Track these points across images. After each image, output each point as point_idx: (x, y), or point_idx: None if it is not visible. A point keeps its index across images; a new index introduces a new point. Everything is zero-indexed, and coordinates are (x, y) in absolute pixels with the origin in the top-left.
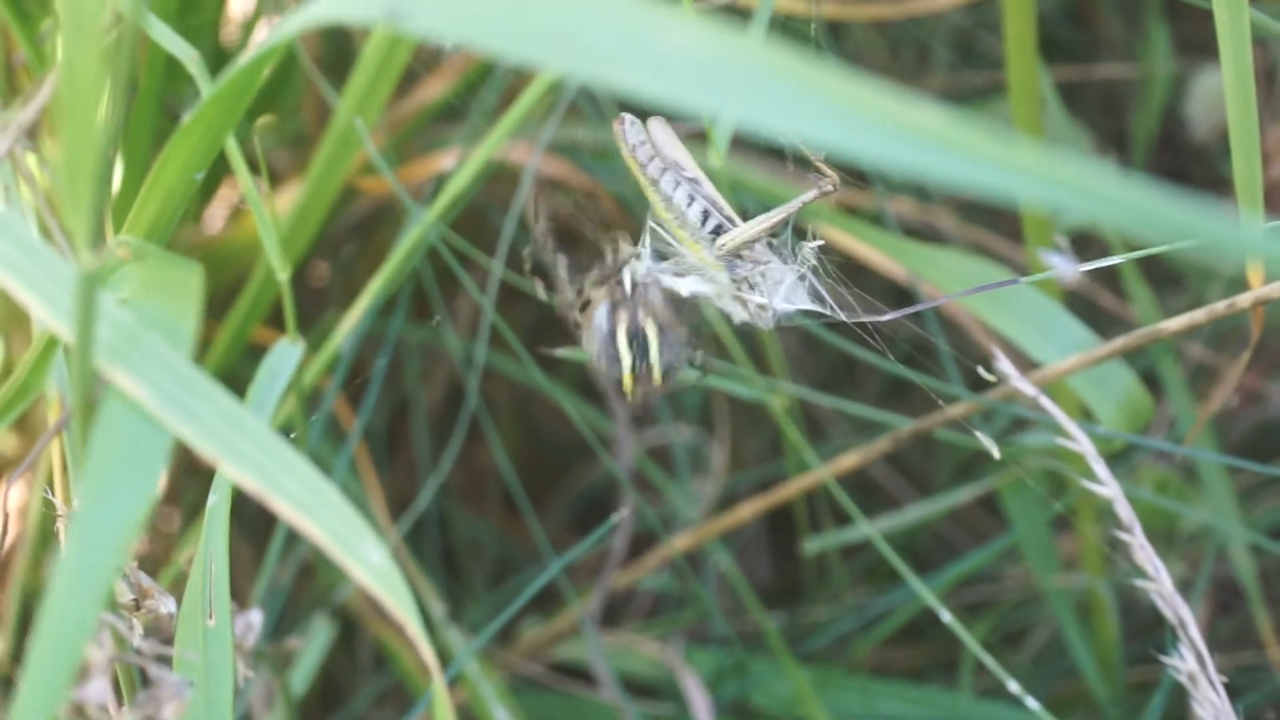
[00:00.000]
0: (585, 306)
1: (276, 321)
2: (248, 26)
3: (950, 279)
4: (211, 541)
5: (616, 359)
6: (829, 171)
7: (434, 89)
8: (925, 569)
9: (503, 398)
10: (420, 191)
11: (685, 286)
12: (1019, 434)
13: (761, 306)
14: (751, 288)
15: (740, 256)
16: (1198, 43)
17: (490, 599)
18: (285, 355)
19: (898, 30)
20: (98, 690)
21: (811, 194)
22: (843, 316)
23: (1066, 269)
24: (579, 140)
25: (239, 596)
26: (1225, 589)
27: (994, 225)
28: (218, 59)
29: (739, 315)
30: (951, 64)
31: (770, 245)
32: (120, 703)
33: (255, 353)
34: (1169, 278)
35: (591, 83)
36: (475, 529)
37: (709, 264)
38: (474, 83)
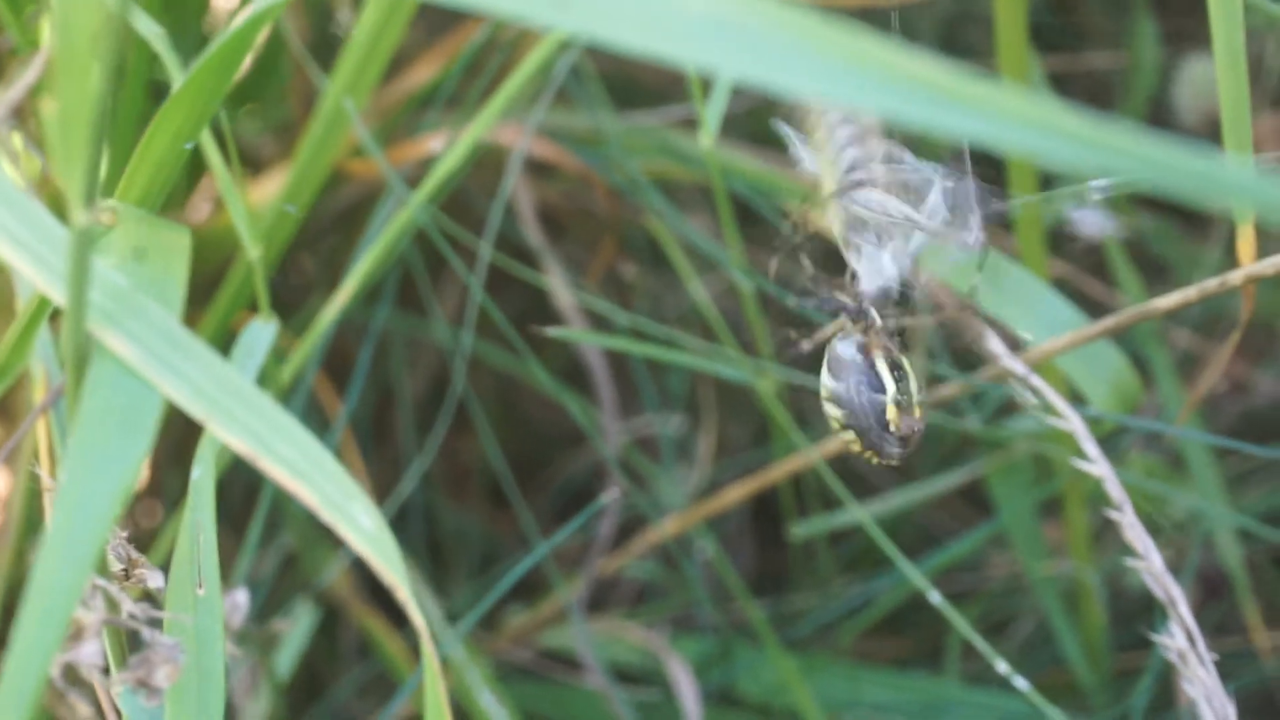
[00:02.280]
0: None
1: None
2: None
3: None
4: (198, 512)
5: (879, 388)
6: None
7: (422, 74)
8: (909, 558)
9: (487, 388)
10: (407, 177)
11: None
12: (1006, 419)
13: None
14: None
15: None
16: (1184, 33)
17: (475, 587)
18: (259, 334)
19: (884, 19)
20: (91, 652)
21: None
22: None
23: (1094, 223)
24: (568, 125)
25: (225, 582)
26: (1212, 577)
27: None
28: (201, 43)
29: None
30: (939, 53)
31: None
32: (111, 669)
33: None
34: (1156, 267)
35: (592, 42)
36: (460, 520)
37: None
38: (463, 67)
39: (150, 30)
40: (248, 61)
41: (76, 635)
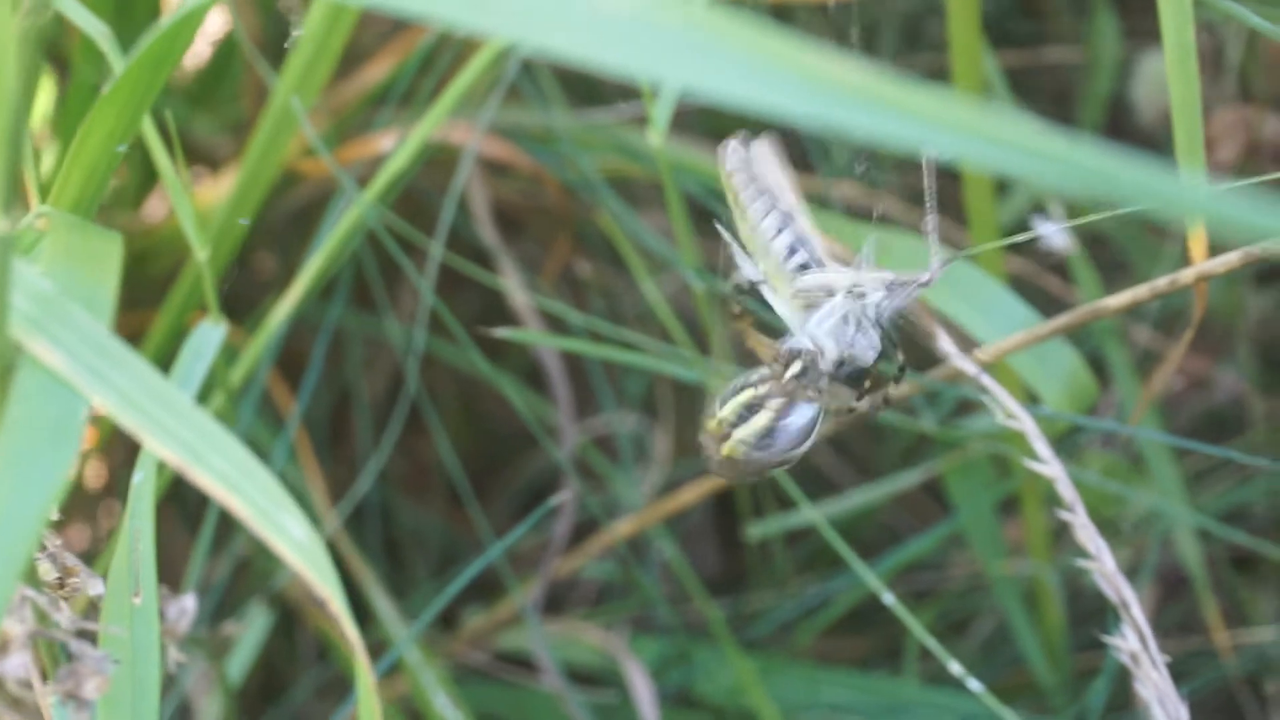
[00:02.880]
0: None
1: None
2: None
3: (893, 259)
4: (137, 519)
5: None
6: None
7: (375, 72)
8: (870, 556)
9: (447, 388)
10: (360, 176)
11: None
12: (964, 418)
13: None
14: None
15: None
16: (1144, 30)
17: (433, 588)
18: (207, 336)
19: (843, 14)
20: (17, 665)
21: (914, 279)
22: None
23: (1055, 234)
24: (523, 123)
25: (178, 586)
26: (1171, 576)
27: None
28: None
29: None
30: (898, 48)
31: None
32: (44, 680)
33: None
34: (1115, 264)
35: (513, 43)
36: (418, 520)
37: (787, 302)
38: (417, 65)
39: (95, 29)
40: (203, 59)
41: (3, 647)
